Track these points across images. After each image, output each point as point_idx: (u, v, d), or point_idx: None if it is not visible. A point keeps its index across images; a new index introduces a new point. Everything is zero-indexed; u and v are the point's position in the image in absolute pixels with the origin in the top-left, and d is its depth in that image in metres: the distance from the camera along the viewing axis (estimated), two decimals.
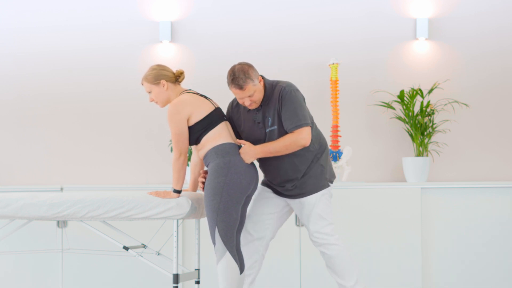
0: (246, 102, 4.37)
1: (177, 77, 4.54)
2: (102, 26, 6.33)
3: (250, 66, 4.35)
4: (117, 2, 6.34)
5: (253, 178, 4.41)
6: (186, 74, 4.62)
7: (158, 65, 4.55)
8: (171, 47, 6.31)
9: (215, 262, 4.39)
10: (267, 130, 4.40)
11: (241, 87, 4.30)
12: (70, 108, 6.33)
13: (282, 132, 4.38)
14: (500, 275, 5.80)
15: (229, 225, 4.32)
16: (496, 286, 5.79)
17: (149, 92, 4.54)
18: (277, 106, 4.36)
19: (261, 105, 4.41)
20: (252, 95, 4.34)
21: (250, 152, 4.38)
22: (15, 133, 6.33)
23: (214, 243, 4.36)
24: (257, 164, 4.54)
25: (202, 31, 6.33)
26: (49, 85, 6.32)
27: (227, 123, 4.52)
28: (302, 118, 4.33)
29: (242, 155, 4.38)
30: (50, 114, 6.33)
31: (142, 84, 4.54)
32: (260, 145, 4.38)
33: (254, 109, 4.43)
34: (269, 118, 4.39)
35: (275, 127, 4.39)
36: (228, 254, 4.33)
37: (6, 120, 6.33)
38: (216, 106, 4.51)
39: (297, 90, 4.41)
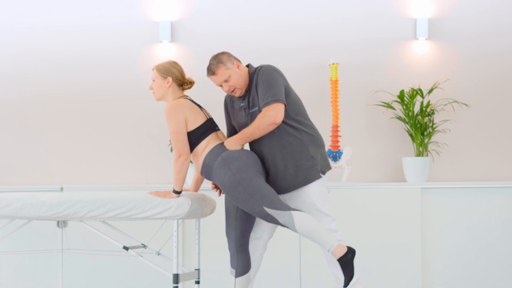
0: (225, 88, 4.39)
1: (182, 83, 4.55)
2: (102, 26, 6.33)
3: (224, 52, 4.41)
4: (117, 2, 6.34)
5: (252, 156, 4.34)
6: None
7: (175, 63, 4.56)
8: (171, 47, 6.31)
9: (295, 226, 4.13)
10: (249, 113, 4.39)
11: (213, 72, 4.37)
12: (70, 108, 6.33)
13: None
14: (500, 275, 5.80)
15: (269, 194, 4.20)
16: (496, 286, 5.79)
17: (153, 80, 4.55)
18: (256, 86, 4.36)
19: (247, 91, 4.41)
20: (228, 80, 4.36)
21: (232, 141, 4.36)
22: (15, 133, 6.33)
23: (276, 222, 4.17)
24: None
25: (202, 31, 6.33)
26: (49, 85, 6.32)
27: (218, 132, 4.50)
28: (272, 95, 4.26)
29: (227, 148, 4.37)
30: (50, 114, 6.33)
31: (152, 70, 4.55)
32: (238, 133, 4.38)
33: (242, 97, 4.43)
34: (251, 101, 4.38)
35: (256, 108, 4.36)
36: (291, 211, 4.15)
37: (6, 120, 6.33)
38: (209, 117, 4.50)
39: (276, 70, 4.36)
